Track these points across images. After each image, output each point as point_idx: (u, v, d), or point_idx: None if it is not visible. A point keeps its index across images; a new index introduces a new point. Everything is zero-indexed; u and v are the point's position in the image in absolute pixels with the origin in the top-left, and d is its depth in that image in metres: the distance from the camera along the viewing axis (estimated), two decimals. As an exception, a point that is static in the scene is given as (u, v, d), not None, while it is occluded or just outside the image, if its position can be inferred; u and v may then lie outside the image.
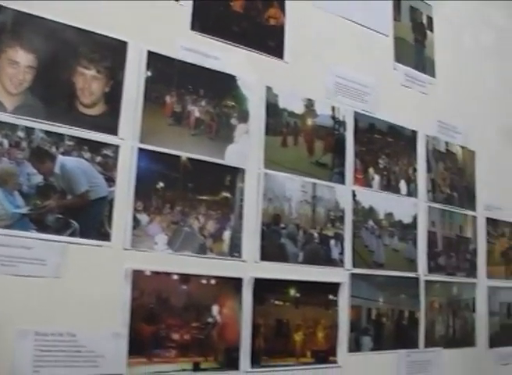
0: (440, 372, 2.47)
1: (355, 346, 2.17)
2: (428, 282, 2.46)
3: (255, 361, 1.89)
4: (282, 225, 2.02)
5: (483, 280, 2.78)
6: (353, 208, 2.23)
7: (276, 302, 1.96)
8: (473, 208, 2.78)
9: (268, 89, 2.09)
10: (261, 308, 1.92)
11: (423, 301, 2.43)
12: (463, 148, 2.80)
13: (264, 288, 1.93)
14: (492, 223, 2.89)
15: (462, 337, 2.61)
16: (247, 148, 1.99)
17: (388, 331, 2.28)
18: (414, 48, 2.66)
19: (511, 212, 3.04)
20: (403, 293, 2.35)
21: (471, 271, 2.71)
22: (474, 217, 2.78)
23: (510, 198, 3.04)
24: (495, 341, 2.79)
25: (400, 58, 2.59)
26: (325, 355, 2.07)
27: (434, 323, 2.47)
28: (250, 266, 1.92)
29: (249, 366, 1.87)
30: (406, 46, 2.61)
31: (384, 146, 2.40)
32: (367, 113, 2.38)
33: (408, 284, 2.38)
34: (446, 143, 2.71)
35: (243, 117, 2.01)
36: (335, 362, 2.09)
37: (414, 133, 2.54)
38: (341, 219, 2.18)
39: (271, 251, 1.97)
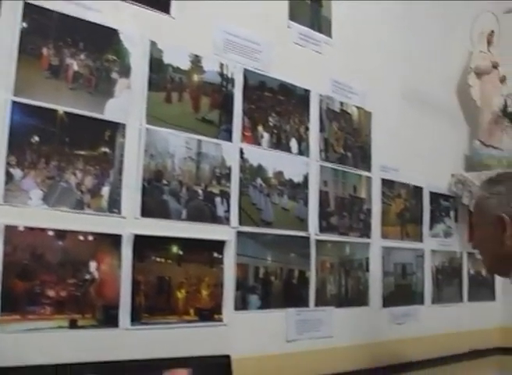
0: (332, 331, 2.70)
1: (242, 304, 2.34)
2: (319, 241, 2.67)
3: (135, 318, 2.02)
4: (165, 181, 2.15)
5: (377, 240, 3.03)
6: (240, 165, 2.39)
7: (158, 259, 2.10)
8: (368, 169, 3.01)
9: (153, 44, 2.20)
10: (141, 265, 2.05)
11: (313, 261, 2.63)
12: (359, 108, 3.02)
13: (145, 245, 2.06)
14: (388, 184, 3.14)
15: (355, 297, 2.85)
16: (128, 103, 2.10)
17: (276, 290, 2.47)
18: (310, 6, 2.84)
19: (408, 173, 3.29)
20: (293, 252, 2.54)
21: (365, 231, 2.95)
22: (369, 178, 3.01)
23: (406, 159, 3.29)
24: (389, 301, 3.05)
25: (294, 16, 2.75)
26: (210, 313, 2.23)
27: (325, 283, 2.69)
28: (130, 223, 2.05)
29: (129, 324, 2.01)
30: (301, 4, 2.79)
31: (275, 104, 2.57)
32: (257, 71, 2.53)
33: (298, 243, 2.58)
34: (341, 103, 2.92)
35: (125, 72, 2.12)
36: (220, 320, 2.26)
37: (307, 92, 2.73)
38: (227, 176, 2.34)
39: (152, 207, 2.11)
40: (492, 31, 3.94)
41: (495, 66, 3.88)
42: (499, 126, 3.78)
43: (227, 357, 2.09)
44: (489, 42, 3.94)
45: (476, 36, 3.90)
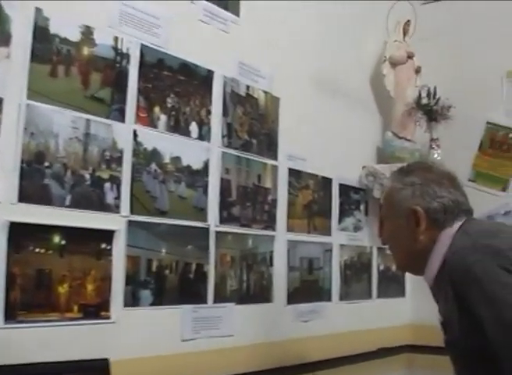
0: (232, 329, 2.65)
1: (132, 300, 2.25)
2: (219, 233, 2.61)
3: (10, 316, 1.90)
4: (47, 164, 2.03)
5: (283, 233, 3.00)
6: (133, 149, 2.30)
7: (37, 250, 1.98)
8: (274, 158, 2.98)
9: (38, 10, 2.07)
10: (17, 257, 1.93)
11: (213, 254, 2.57)
12: (266, 93, 2.97)
13: (23, 234, 1.94)
14: (295, 174, 3.12)
15: (258, 293, 2.81)
16: (6, 75, 1.97)
17: (171, 285, 2.39)
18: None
19: (317, 163, 3.28)
20: (190, 244, 2.47)
21: (270, 223, 2.91)
22: (275, 167, 2.98)
23: (315, 149, 3.28)
24: (294, 298, 3.03)
25: (199, -10, 2.67)
26: (96, 310, 2.13)
27: (225, 277, 2.63)
28: (6, 209, 1.92)
29: (2, 322, 1.88)
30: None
31: (174, 84, 2.49)
32: (156, 47, 2.44)
33: (196, 235, 2.51)
34: (248, 86, 2.86)
35: (5, 40, 1.99)
36: (107, 317, 2.17)
37: (211, 72, 2.66)
38: (119, 160, 2.25)
39: (31, 192, 1.99)
40: (409, 21, 4.00)
41: (410, 57, 3.94)
42: (412, 118, 3.81)
43: (105, 360, 1.98)
44: (405, 32, 4.00)
45: (392, 25, 3.93)
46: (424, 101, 3.78)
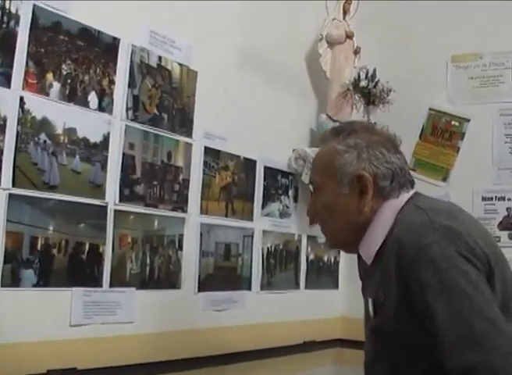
0: (132, 315, 2.59)
1: (12, 281, 2.17)
2: (118, 212, 2.54)
3: None
4: None
5: (195, 215, 2.93)
6: (18, 117, 2.21)
7: None
8: (188, 135, 2.91)
9: None
10: None
11: (110, 234, 2.50)
12: (182, 65, 2.90)
13: None
14: (212, 153, 3.06)
15: (164, 278, 2.75)
16: None
17: (60, 265, 2.32)
18: None
19: (239, 144, 3.22)
20: (83, 222, 2.40)
21: (180, 204, 2.85)
22: (189, 144, 2.91)
23: (239, 129, 3.22)
24: (206, 285, 2.98)
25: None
26: (-35, 289, 2.04)
27: (125, 260, 2.57)
28: None
29: None
30: None
31: (71, 50, 2.41)
32: (52, 10, 2.36)
33: (92, 213, 2.44)
34: (160, 57, 2.79)
35: None
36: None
37: (116, 40, 2.58)
38: (1, 128, 2.16)
39: None
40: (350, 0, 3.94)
41: (349, 36, 3.90)
42: (348, 101, 3.77)
43: None
44: (345, 11, 3.95)
45: (332, 3, 3.88)
46: (363, 83, 3.71)
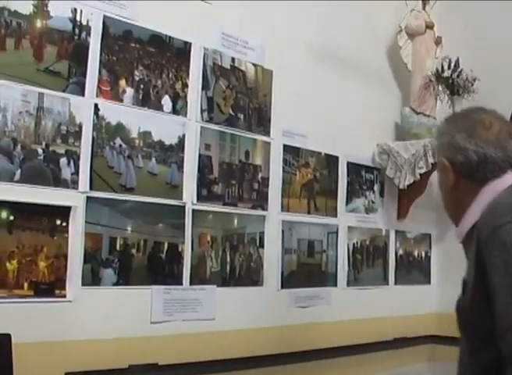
0: (213, 312, 2.60)
1: (92, 279, 2.23)
2: (196, 212, 2.56)
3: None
4: (-5, 138, 2.02)
5: (276, 213, 2.91)
6: (93, 123, 2.27)
7: (-18, 226, 1.98)
8: (266, 133, 2.89)
9: (-13, -17, 2.06)
10: (-40, 232, 1.93)
11: (189, 233, 2.52)
12: (256, 65, 2.89)
13: (-35, 209, 1.93)
14: (292, 151, 3.03)
15: (245, 276, 2.75)
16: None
17: (139, 264, 2.36)
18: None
19: (320, 141, 3.18)
20: (161, 222, 2.43)
21: (260, 202, 2.84)
22: (267, 143, 2.89)
23: (318, 125, 3.18)
24: (290, 282, 2.95)
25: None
26: (50, 288, 2.11)
27: (204, 258, 2.58)
28: None
29: None
30: None
31: (143, 57, 2.45)
32: (121, 19, 2.40)
33: (169, 213, 2.47)
34: (233, 59, 2.79)
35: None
36: (63, 296, 2.15)
37: (188, 44, 2.60)
38: (76, 134, 2.22)
39: (-25, 167, 1.98)
40: (429, -11, 3.82)
41: (429, 27, 3.77)
42: (432, 92, 3.64)
43: (6, 336, 1.91)
44: (425, 1, 3.81)
45: (411, -7, 3.77)
46: (446, 73, 3.58)
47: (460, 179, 1.56)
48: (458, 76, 3.55)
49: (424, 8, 3.78)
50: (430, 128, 3.54)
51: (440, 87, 3.61)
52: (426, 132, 3.52)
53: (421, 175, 3.37)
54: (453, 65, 3.59)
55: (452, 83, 3.56)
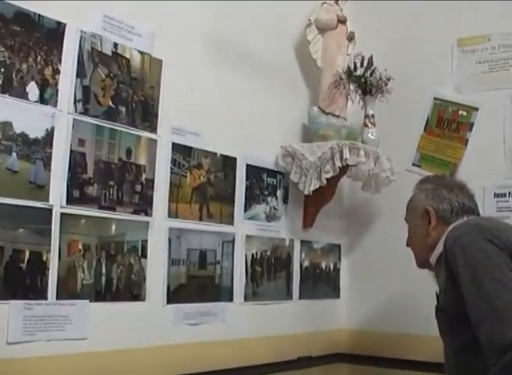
0: (86, 331, 2.39)
1: None
2: (66, 216, 2.36)
3: None
4: None
5: (161, 219, 2.74)
6: None
7: None
8: (153, 130, 2.72)
9: None
10: None
11: (56, 240, 2.32)
12: (143, 53, 2.72)
13: None
14: (182, 150, 2.87)
15: (124, 289, 2.56)
16: None
17: (-6, 275, 2.13)
18: None
19: (215, 140, 3.03)
20: (21, 227, 2.22)
21: (143, 207, 2.66)
22: (153, 140, 2.72)
23: (215, 123, 3.03)
24: (177, 296, 2.79)
25: None
26: None
27: (75, 269, 2.38)
28: None
29: None
30: None
31: (4, 36, 2.23)
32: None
33: (32, 217, 2.26)
34: (116, 44, 2.61)
35: None
36: None
37: (61, 25, 2.40)
38: None
39: None
40: (343, -19, 3.73)
41: (341, 21, 3.68)
42: (342, 91, 3.55)
43: None
44: (338, -6, 3.72)
45: (322, -15, 3.67)
46: (358, 72, 3.49)
47: (438, 222, 2.17)
48: (371, 75, 3.46)
49: (337, 2, 3.66)
50: (339, 129, 3.45)
51: (352, 86, 3.49)
52: (335, 134, 3.42)
53: (328, 180, 3.25)
54: (366, 63, 3.48)
55: (364, 82, 3.47)
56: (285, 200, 3.44)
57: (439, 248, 2.09)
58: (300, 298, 3.52)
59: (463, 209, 2.16)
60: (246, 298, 3.14)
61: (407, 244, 2.34)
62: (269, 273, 3.31)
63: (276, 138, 3.44)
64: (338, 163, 3.24)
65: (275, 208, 3.37)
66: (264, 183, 3.31)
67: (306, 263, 3.57)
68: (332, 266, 3.78)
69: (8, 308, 2.20)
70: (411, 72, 3.69)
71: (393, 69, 3.48)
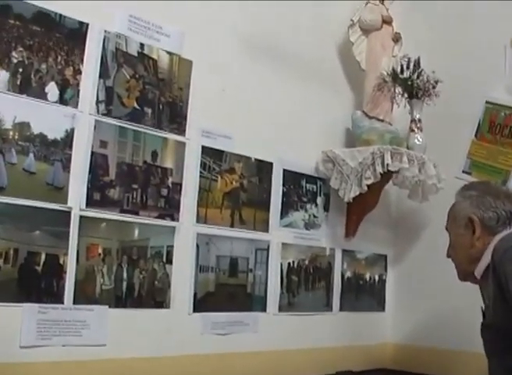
0: (104, 337, 2.38)
1: None
2: (85, 218, 2.34)
3: None
4: None
5: (189, 224, 2.70)
6: (-46, 110, 2.05)
7: None
8: (181, 132, 2.69)
9: None
10: None
11: (74, 243, 2.31)
12: (171, 54, 2.69)
13: None
14: (213, 154, 2.83)
15: (146, 296, 2.53)
16: None
17: (7, 277, 2.13)
18: None
19: (250, 144, 2.98)
20: (38, 229, 2.21)
21: (169, 211, 2.63)
22: (182, 143, 2.69)
23: (249, 127, 2.99)
24: (205, 305, 2.74)
25: None
26: None
27: (94, 274, 2.36)
28: None
29: None
30: None
31: (24, 36, 2.23)
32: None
33: (49, 219, 2.25)
34: (142, 45, 2.59)
35: None
36: None
37: (84, 25, 2.40)
38: None
39: None
40: (388, -20, 3.64)
41: (386, 22, 3.58)
42: (387, 95, 3.44)
43: None
44: (383, -7, 3.63)
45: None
46: (404, 74, 3.38)
47: (483, 231, 2.06)
48: (418, 78, 3.34)
49: (382, 2, 3.57)
50: (382, 134, 3.35)
51: (397, 90, 3.38)
52: (378, 138, 3.32)
53: (370, 187, 3.14)
54: (412, 65, 3.37)
55: (411, 85, 3.35)
56: (326, 207, 3.35)
57: (486, 260, 1.99)
58: (341, 309, 3.41)
59: (510, 218, 2.06)
60: (280, 309, 3.06)
61: (448, 255, 2.24)
62: (307, 282, 3.22)
63: (316, 143, 3.36)
64: (379, 169, 3.13)
65: (314, 216, 3.28)
66: (302, 189, 3.23)
67: (348, 274, 3.46)
68: (377, 278, 3.66)
69: (22, 311, 2.17)
70: (461, 74, 3.53)
71: (442, 72, 3.34)
